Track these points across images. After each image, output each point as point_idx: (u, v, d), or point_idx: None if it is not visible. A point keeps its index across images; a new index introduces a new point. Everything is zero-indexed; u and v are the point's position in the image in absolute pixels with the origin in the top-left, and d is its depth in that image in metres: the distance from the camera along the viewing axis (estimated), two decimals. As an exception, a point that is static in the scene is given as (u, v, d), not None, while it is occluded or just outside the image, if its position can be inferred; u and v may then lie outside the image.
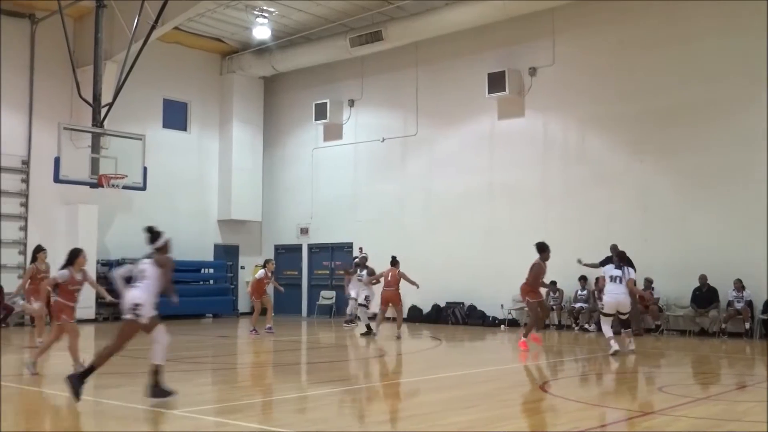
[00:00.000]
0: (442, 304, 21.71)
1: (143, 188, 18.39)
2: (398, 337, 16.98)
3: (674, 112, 18.24)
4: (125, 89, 18.16)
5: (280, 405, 8.90)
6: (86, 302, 21.31)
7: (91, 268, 21.47)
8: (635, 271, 13.90)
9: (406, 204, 22.99)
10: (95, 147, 17.82)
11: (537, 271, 14.77)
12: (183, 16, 19.66)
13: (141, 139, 18.33)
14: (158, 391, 8.38)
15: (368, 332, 17.36)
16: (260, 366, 13.54)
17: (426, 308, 21.99)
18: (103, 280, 22.15)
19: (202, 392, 9.95)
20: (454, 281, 21.50)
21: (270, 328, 17.87)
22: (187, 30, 23.40)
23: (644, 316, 17.83)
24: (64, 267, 10.66)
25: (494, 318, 20.66)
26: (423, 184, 22.64)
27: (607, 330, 13.77)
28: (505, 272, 20.44)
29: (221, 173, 25.52)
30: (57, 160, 17.00)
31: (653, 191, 18.53)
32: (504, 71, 20.37)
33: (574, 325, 19.18)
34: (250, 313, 19.28)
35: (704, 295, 17.42)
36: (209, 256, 25.15)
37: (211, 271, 25.03)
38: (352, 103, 24.42)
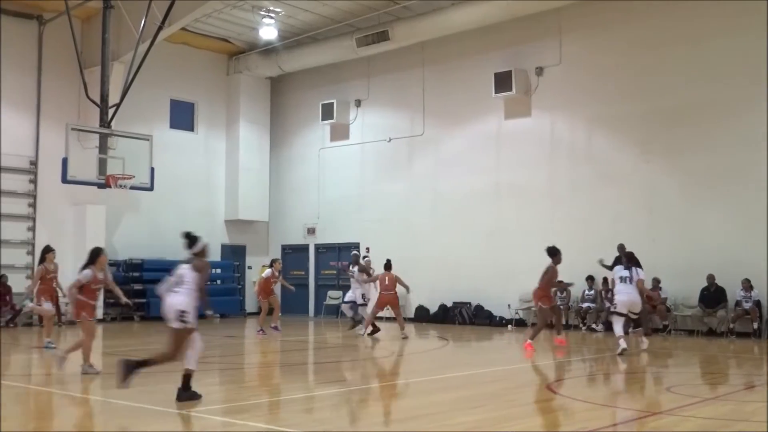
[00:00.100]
0: (449, 304, 21.70)
1: (151, 188, 18.43)
2: (405, 337, 16.98)
3: (681, 112, 18.20)
4: (132, 90, 18.21)
5: (287, 405, 8.91)
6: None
7: (99, 269, 21.59)
8: (643, 271, 13.96)
9: (412, 204, 22.98)
10: (103, 147, 17.86)
11: (550, 276, 14.80)
12: (190, 16, 19.68)
13: (148, 140, 18.37)
14: (186, 394, 8.38)
15: (374, 330, 17.43)
16: (267, 366, 13.55)
17: (433, 308, 21.99)
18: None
19: (209, 392, 9.95)
20: (460, 281, 21.49)
21: (276, 327, 17.89)
22: (193, 30, 23.43)
23: (652, 316, 17.77)
24: (85, 266, 10.70)
25: (501, 318, 20.64)
26: (430, 184, 22.64)
27: (618, 329, 13.78)
28: (512, 272, 20.46)
29: (228, 173, 25.55)
30: (65, 161, 17.05)
31: (660, 191, 18.49)
32: (510, 71, 20.35)
33: (581, 325, 19.16)
34: (258, 313, 19.32)
35: (712, 295, 17.37)
36: (216, 257, 25.16)
37: (219, 271, 25.05)
38: (358, 103, 24.43)
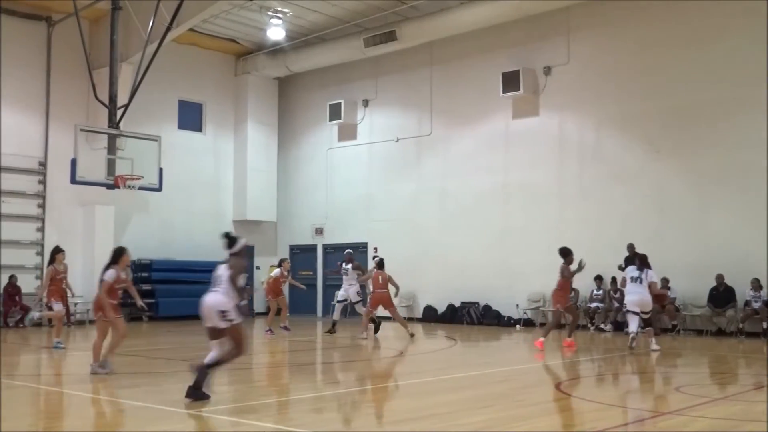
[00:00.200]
0: (457, 304, 21.69)
1: (159, 189, 18.49)
2: (413, 335, 16.97)
3: (691, 111, 18.14)
4: (141, 91, 18.27)
5: (295, 405, 8.91)
6: (103, 303, 21.47)
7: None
8: (654, 273, 14.22)
9: (420, 204, 22.97)
10: (111, 148, 17.92)
11: (567, 276, 14.90)
12: (198, 17, 19.72)
13: (157, 140, 18.43)
14: (199, 394, 8.38)
15: (377, 328, 17.53)
16: (276, 366, 13.56)
17: (441, 308, 21.98)
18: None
19: (217, 392, 9.97)
20: (469, 281, 21.47)
21: (286, 327, 17.91)
22: (201, 31, 23.48)
23: (661, 316, 17.72)
24: (108, 266, 10.75)
25: (509, 318, 20.62)
26: (437, 184, 22.62)
27: (633, 327, 14.17)
28: (520, 272, 20.45)
29: (236, 174, 25.59)
30: (74, 162, 17.12)
31: (670, 191, 18.44)
32: (518, 70, 20.32)
33: (589, 325, 19.11)
34: (266, 313, 19.33)
35: (721, 295, 17.32)
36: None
37: (227, 271, 25.05)
38: (366, 103, 24.43)
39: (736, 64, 17.50)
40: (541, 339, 14.57)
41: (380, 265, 17.59)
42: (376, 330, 17.55)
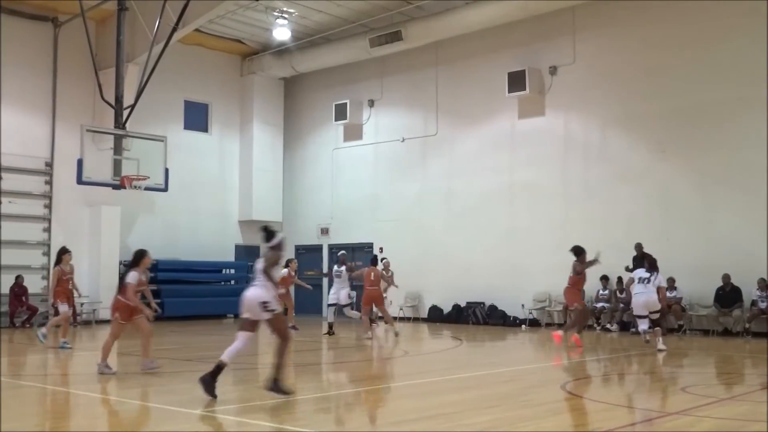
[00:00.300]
0: (463, 304, 21.68)
1: (165, 189, 18.50)
2: (397, 334, 16.97)
3: (696, 110, 18.11)
4: (147, 91, 18.29)
5: (301, 405, 8.92)
6: (108, 302, 21.47)
7: (113, 269, 21.77)
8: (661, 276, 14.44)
9: (426, 204, 22.98)
10: (117, 148, 17.94)
11: (579, 272, 15.07)
12: (204, 17, 19.76)
13: (163, 141, 18.43)
14: (210, 386, 8.53)
15: (330, 332, 17.53)
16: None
17: (446, 308, 21.98)
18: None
19: (223, 392, 9.98)
20: (474, 281, 21.46)
21: (294, 326, 17.89)
22: (207, 32, 23.53)
23: (667, 316, 17.69)
24: (130, 269, 10.80)
25: (515, 318, 20.60)
26: (443, 183, 22.62)
27: (643, 326, 14.53)
28: (525, 272, 20.44)
29: (242, 174, 25.63)
30: (80, 162, 17.14)
31: (675, 190, 18.41)
32: (524, 70, 20.32)
33: (595, 325, 19.09)
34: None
35: (727, 295, 17.28)
36: (230, 257, 25.27)
37: (232, 271, 25.14)
38: (372, 103, 24.44)
39: (742, 64, 17.46)
40: (576, 336, 14.71)
41: (373, 261, 17.59)
42: (329, 334, 17.43)
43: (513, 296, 20.59)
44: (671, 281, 17.73)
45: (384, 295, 19.85)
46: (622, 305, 18.43)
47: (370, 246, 23.88)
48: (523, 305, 20.43)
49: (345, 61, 23.93)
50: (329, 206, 25.28)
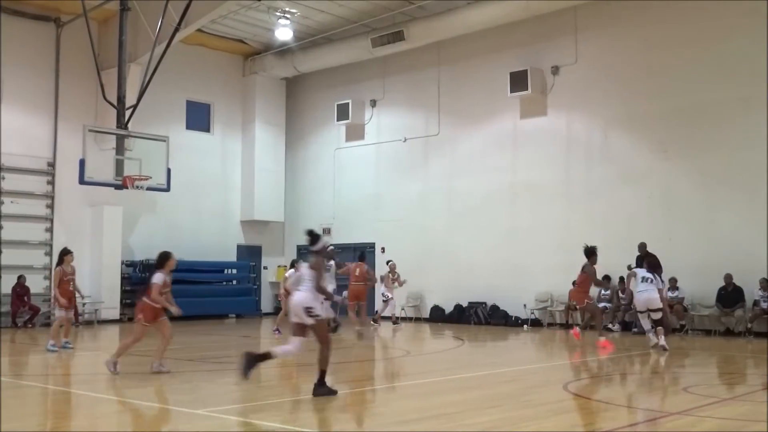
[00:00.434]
0: (465, 304, 21.67)
1: (167, 189, 18.53)
2: (361, 335, 16.94)
3: (699, 110, 18.09)
4: (149, 91, 18.31)
5: (303, 405, 8.92)
6: (111, 303, 21.58)
7: (115, 269, 21.80)
8: (659, 272, 14.55)
9: (428, 204, 22.97)
10: (120, 149, 17.97)
11: (593, 275, 15.16)
12: (206, 18, 19.77)
13: (165, 141, 18.46)
14: (248, 368, 8.83)
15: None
16: (284, 366, 13.56)
17: (448, 308, 21.97)
18: (128, 280, 22.48)
19: (225, 392, 10.01)
20: (476, 281, 21.46)
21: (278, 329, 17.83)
22: (209, 32, 23.54)
23: (669, 317, 17.68)
24: (155, 270, 10.87)
25: (517, 318, 20.59)
26: (445, 183, 22.62)
27: (645, 324, 14.67)
28: (528, 272, 20.43)
29: (244, 174, 25.64)
30: (82, 162, 17.16)
31: (677, 190, 18.39)
32: (526, 70, 20.31)
33: (591, 323, 19.04)
34: (273, 313, 19.35)
35: (730, 295, 17.26)
36: (232, 257, 25.28)
37: (234, 271, 25.16)
38: (373, 103, 24.45)
39: (743, 64, 17.44)
40: (601, 339, 14.69)
41: (361, 257, 17.57)
42: (334, 331, 17.38)
43: (515, 296, 20.58)
44: (673, 281, 17.73)
45: (390, 295, 19.90)
46: (623, 305, 18.41)
47: (372, 246, 23.88)
48: (525, 305, 20.41)
49: (347, 61, 23.93)
50: (331, 206, 25.29)
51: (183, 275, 22.83)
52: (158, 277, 10.79)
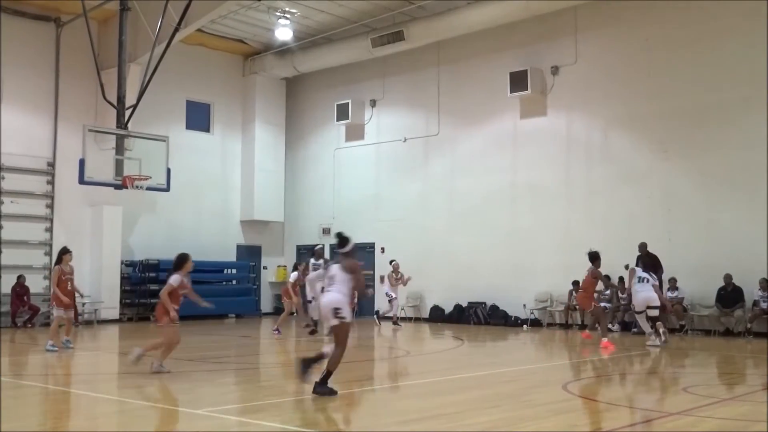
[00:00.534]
0: (464, 304, 21.67)
1: (167, 189, 18.52)
2: (312, 332, 16.95)
3: (699, 111, 18.09)
4: (149, 91, 18.31)
5: (302, 405, 8.92)
6: (110, 302, 21.58)
7: (115, 269, 21.80)
8: (660, 272, 14.66)
9: (428, 204, 22.97)
10: (119, 148, 17.96)
11: (601, 277, 15.44)
12: (206, 18, 19.77)
13: (165, 141, 18.46)
14: (305, 372, 8.92)
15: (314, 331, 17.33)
16: (283, 366, 13.58)
17: (448, 308, 21.97)
18: (127, 280, 22.49)
19: (225, 392, 10.01)
20: (476, 281, 21.45)
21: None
22: (209, 32, 23.54)
23: (668, 316, 17.69)
24: (172, 272, 10.87)
25: (516, 318, 20.59)
26: (445, 183, 22.62)
27: (644, 326, 14.96)
28: (528, 272, 20.43)
29: (244, 174, 25.64)
30: (82, 162, 17.16)
31: (677, 190, 18.39)
32: (526, 70, 20.31)
33: (597, 325, 19.05)
34: (273, 313, 19.35)
35: (729, 295, 17.27)
36: (232, 257, 25.28)
37: (234, 271, 25.16)
38: (373, 103, 24.44)
39: (744, 65, 17.44)
40: (605, 340, 14.71)
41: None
42: (312, 333, 17.36)
43: (515, 296, 20.58)
44: (673, 281, 17.75)
45: (393, 295, 19.89)
46: (623, 305, 18.41)
47: (372, 246, 23.88)
48: (524, 305, 20.41)
49: (347, 61, 23.92)
50: (331, 206, 25.28)
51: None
52: (174, 279, 10.81)
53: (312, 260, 18.10)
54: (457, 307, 21.77)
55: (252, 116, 25.57)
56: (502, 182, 21.29)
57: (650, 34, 18.90)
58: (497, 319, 20.83)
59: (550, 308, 20.34)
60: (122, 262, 22.23)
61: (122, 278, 22.24)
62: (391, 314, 20.24)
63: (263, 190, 25.52)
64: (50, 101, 21.38)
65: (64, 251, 14.47)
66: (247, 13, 22.07)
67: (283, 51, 24.59)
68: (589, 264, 15.16)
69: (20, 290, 19.95)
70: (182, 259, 11.00)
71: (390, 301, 20.21)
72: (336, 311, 8.81)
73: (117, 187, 18.06)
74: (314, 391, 8.79)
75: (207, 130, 25.20)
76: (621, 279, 18.48)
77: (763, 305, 16.78)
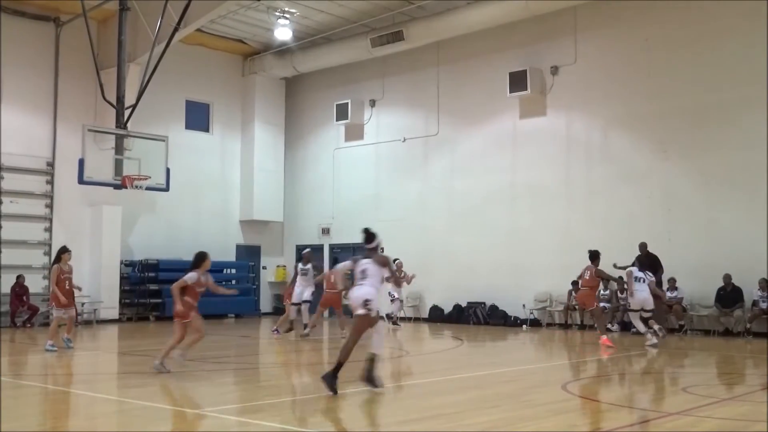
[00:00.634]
0: (464, 304, 21.67)
1: (166, 189, 18.52)
2: (301, 334, 16.92)
3: (699, 111, 18.09)
4: (148, 91, 18.30)
5: (302, 405, 8.92)
6: (110, 302, 21.58)
7: (114, 269, 21.80)
8: (659, 272, 14.61)
9: (427, 204, 22.97)
10: (119, 148, 17.96)
11: (604, 274, 15.55)
12: (205, 17, 19.76)
13: (164, 141, 18.45)
14: (372, 378, 9.23)
15: (289, 330, 17.37)
16: (283, 366, 13.58)
17: (447, 308, 21.97)
18: (127, 280, 22.50)
19: (224, 392, 10.01)
20: (475, 281, 21.45)
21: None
22: (209, 32, 23.53)
23: (668, 316, 17.70)
24: (190, 270, 10.98)
25: (516, 318, 20.59)
26: (445, 184, 22.61)
27: (640, 326, 15.05)
28: (527, 272, 20.43)
29: (243, 174, 25.64)
30: (81, 162, 17.15)
31: (677, 190, 18.40)
32: (525, 70, 20.30)
33: (596, 325, 19.04)
34: (273, 314, 19.33)
35: (729, 295, 17.27)
36: (231, 257, 25.27)
37: (234, 271, 25.14)
38: (373, 103, 24.44)
39: (744, 64, 17.44)
40: (604, 337, 14.97)
41: (335, 263, 17.53)
42: (288, 330, 17.35)
43: (514, 296, 20.58)
44: (673, 281, 17.75)
45: (396, 295, 19.89)
46: (623, 305, 18.41)
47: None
48: (524, 305, 20.41)
49: (346, 61, 23.92)
50: (330, 206, 25.28)
51: (182, 275, 22.77)
52: (190, 276, 10.92)
53: (300, 265, 17.96)
54: (457, 307, 21.77)
55: (251, 116, 25.57)
56: (502, 182, 21.29)
57: (650, 34, 18.91)
58: (497, 319, 20.83)
59: (549, 308, 20.34)
60: (122, 262, 22.23)
61: (121, 278, 22.24)
62: (393, 315, 20.24)
63: (263, 190, 25.52)
64: (50, 101, 21.38)
65: (63, 250, 14.47)
66: (246, 13, 22.07)
67: (283, 51, 24.59)
68: (588, 262, 15.20)
69: (19, 290, 19.95)
70: (201, 257, 11.13)
71: (392, 301, 20.20)
72: (366, 302, 9.07)
73: (116, 187, 18.05)
74: (323, 376, 8.98)
75: (206, 130, 25.20)
76: (620, 279, 18.45)
77: (763, 305, 16.78)
